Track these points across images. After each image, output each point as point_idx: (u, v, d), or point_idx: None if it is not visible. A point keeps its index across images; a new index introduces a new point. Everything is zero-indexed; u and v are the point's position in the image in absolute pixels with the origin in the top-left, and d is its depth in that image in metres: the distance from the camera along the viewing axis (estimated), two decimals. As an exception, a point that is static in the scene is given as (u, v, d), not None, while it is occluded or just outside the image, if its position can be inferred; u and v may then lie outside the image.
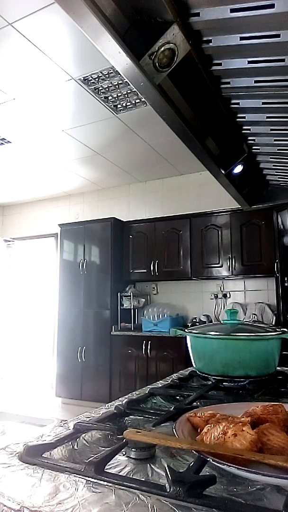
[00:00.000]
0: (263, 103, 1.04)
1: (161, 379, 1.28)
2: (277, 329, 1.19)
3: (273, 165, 1.50)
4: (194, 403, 0.93)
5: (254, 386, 1.11)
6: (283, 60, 0.83)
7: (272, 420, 0.66)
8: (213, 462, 0.53)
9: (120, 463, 0.63)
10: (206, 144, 1.19)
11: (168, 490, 0.49)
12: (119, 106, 3.29)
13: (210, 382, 1.17)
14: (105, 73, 2.83)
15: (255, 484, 0.55)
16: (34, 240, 6.03)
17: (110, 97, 3.16)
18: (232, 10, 0.70)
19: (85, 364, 4.59)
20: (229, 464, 0.51)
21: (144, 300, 4.72)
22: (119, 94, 3.12)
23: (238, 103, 1.07)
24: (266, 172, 1.62)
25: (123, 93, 3.10)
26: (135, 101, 3.21)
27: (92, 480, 0.55)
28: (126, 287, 4.75)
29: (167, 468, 0.53)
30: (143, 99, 1.88)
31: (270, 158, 1.43)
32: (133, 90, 2.84)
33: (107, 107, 3.31)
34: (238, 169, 1.40)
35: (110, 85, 2.99)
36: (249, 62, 0.86)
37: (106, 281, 4.61)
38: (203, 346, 1.19)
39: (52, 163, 4.53)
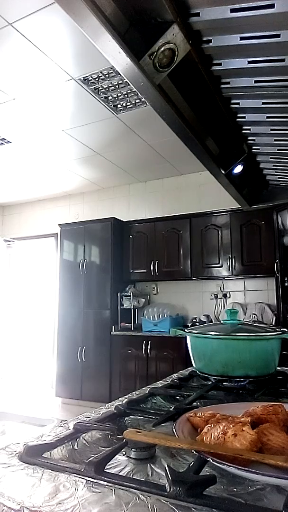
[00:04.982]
0: (263, 103, 1.04)
1: (161, 379, 1.28)
2: (277, 329, 1.19)
3: (273, 165, 1.50)
4: (194, 403, 0.93)
5: (254, 386, 1.11)
6: (283, 60, 0.83)
7: (272, 420, 0.66)
8: (213, 462, 0.53)
9: (120, 463, 0.63)
10: (206, 144, 1.19)
11: (168, 490, 0.49)
12: (119, 106, 3.29)
13: (210, 382, 1.17)
14: (105, 73, 2.83)
15: (255, 484, 0.55)
16: (34, 240, 6.02)
17: (110, 97, 3.16)
18: (232, 10, 0.70)
19: (85, 364, 4.59)
20: (229, 464, 0.51)
21: (144, 300, 4.71)
22: (119, 94, 3.12)
23: (238, 103, 1.07)
24: (266, 172, 1.62)
25: (123, 93, 3.10)
26: (135, 101, 3.21)
27: (92, 480, 0.55)
28: (126, 287, 4.75)
29: (167, 468, 0.53)
30: (143, 99, 1.88)
31: (270, 158, 1.43)
32: (133, 90, 2.84)
33: (107, 107, 3.31)
34: (238, 169, 1.40)
35: (110, 85, 2.99)
36: (249, 62, 0.86)
37: (106, 281, 4.61)
38: (203, 346, 1.19)
39: (52, 163, 4.53)
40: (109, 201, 5.43)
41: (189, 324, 4.26)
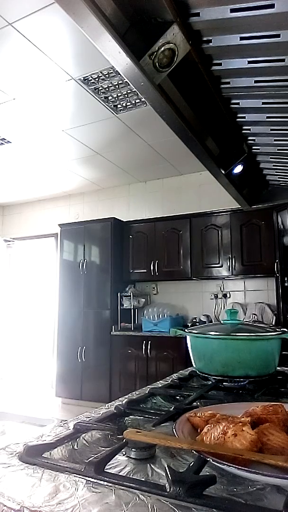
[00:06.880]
0: (263, 103, 1.04)
1: (161, 379, 1.28)
2: (277, 329, 1.19)
3: (273, 165, 1.50)
4: (194, 403, 0.93)
5: (254, 386, 1.11)
6: (283, 60, 0.83)
7: (272, 420, 0.66)
8: (213, 462, 0.53)
9: (120, 463, 0.63)
10: (206, 144, 1.19)
11: (168, 490, 0.49)
12: (119, 106, 3.29)
13: (210, 382, 1.17)
14: (105, 73, 2.83)
15: (255, 484, 0.55)
16: (34, 240, 6.02)
17: (110, 97, 3.16)
18: (232, 10, 0.70)
19: (85, 364, 4.59)
20: (229, 464, 0.51)
21: (144, 300, 4.71)
22: (119, 94, 3.12)
23: (238, 103, 1.07)
24: (266, 172, 1.62)
25: (123, 93, 3.10)
26: (135, 101, 3.21)
27: (92, 480, 0.55)
28: (126, 287, 4.75)
29: (167, 468, 0.53)
30: (143, 99, 1.88)
31: (270, 158, 1.43)
32: (133, 90, 2.84)
33: (107, 107, 3.31)
34: (238, 169, 1.40)
35: (110, 85, 2.99)
36: (249, 62, 0.86)
37: (106, 281, 4.61)
38: (203, 346, 1.19)
39: (52, 163, 4.53)
40: (109, 201, 5.43)
41: (189, 324, 4.26)
